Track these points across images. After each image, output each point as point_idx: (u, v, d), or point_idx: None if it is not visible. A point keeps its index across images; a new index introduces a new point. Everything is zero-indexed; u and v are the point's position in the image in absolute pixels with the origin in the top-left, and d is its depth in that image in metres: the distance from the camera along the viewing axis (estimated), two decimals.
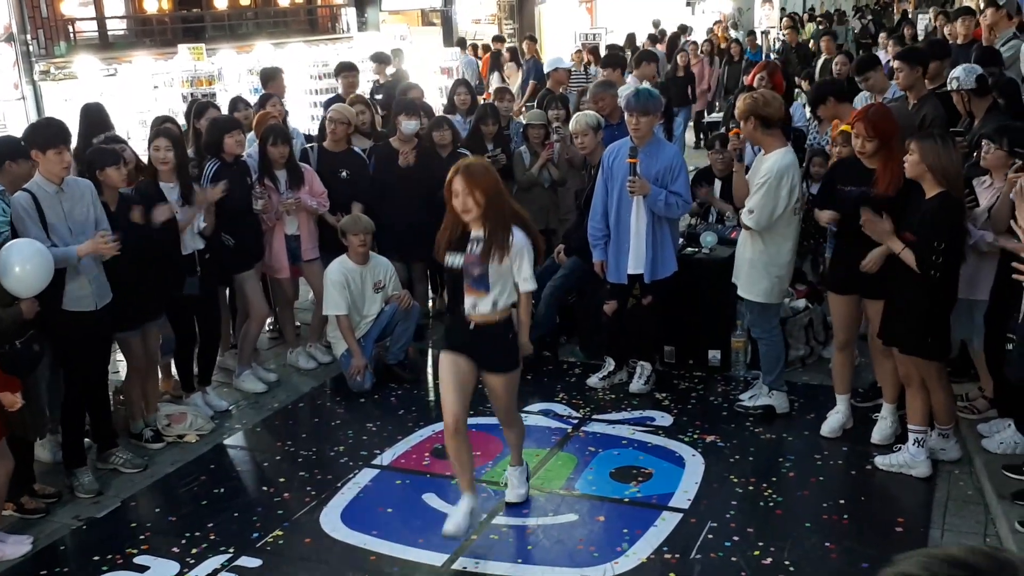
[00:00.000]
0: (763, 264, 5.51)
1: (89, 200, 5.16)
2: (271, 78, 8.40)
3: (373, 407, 6.24)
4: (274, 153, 6.50)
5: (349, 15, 16.28)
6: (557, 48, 15.75)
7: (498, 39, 16.34)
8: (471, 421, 5.72)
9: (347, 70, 9.04)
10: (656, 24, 20.00)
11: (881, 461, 5.09)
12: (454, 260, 4.30)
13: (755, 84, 8.76)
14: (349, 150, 7.15)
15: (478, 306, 4.30)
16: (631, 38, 17.32)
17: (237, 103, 7.55)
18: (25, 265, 4.58)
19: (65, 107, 10.19)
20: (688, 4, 25.78)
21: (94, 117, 6.89)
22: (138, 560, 4.56)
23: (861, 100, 7.20)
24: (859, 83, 7.13)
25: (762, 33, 21.64)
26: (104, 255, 5.01)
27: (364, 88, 10.37)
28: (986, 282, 5.03)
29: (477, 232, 4.24)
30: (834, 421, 5.50)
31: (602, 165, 6.05)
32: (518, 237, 4.29)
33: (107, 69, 11.24)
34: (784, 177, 5.31)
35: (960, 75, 6.02)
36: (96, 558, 4.61)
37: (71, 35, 12.14)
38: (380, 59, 10.86)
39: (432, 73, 13.96)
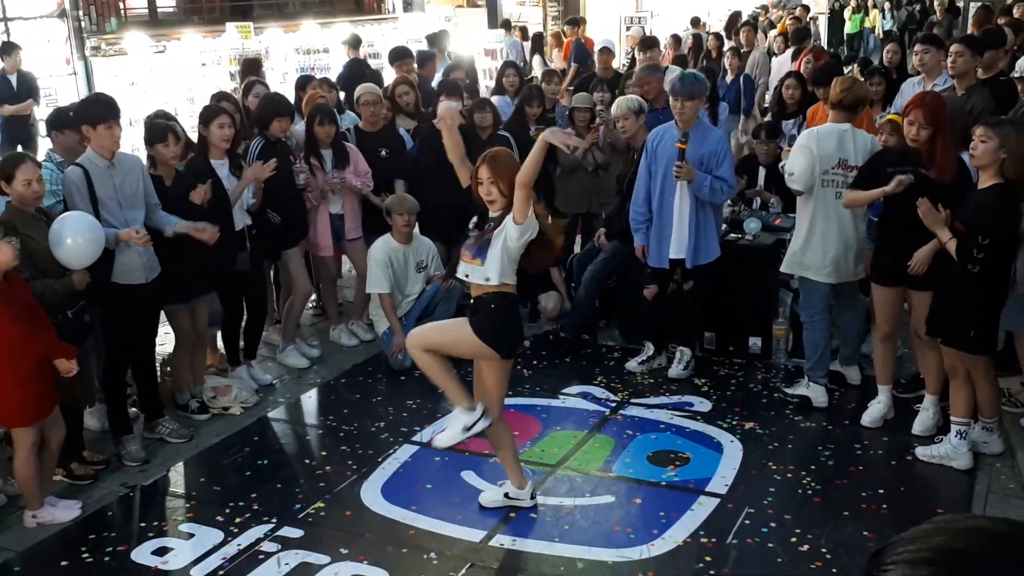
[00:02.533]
0: (804, 240, 5.49)
1: (139, 175, 5.25)
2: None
3: (413, 385, 6.30)
4: (320, 133, 6.56)
5: None
6: (603, 31, 15.63)
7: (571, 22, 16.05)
8: (509, 401, 5.76)
9: (400, 58, 9.00)
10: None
11: (922, 452, 5.06)
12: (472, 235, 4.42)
13: (801, 69, 8.70)
14: (387, 129, 7.18)
15: (470, 275, 4.33)
16: (695, 22, 17.11)
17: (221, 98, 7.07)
18: (77, 238, 4.69)
19: (115, 83, 10.35)
20: None
21: None
22: (183, 527, 4.67)
23: (908, 87, 7.11)
24: (915, 56, 7.00)
25: (810, 19, 21.39)
26: (138, 245, 5.09)
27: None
28: None
29: (495, 214, 4.32)
30: (875, 411, 5.47)
31: (645, 149, 6.04)
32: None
33: (156, 46, 11.39)
34: (809, 135, 5.37)
35: None
36: (143, 524, 4.74)
37: (122, 12, 12.30)
38: (352, 43, 10.91)
39: (476, 55, 13.96)
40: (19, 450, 4.56)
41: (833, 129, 5.41)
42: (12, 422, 4.56)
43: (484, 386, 4.51)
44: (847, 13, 22.34)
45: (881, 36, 21.84)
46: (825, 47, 13.26)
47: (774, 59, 11.59)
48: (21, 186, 4.67)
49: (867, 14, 22.97)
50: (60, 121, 5.49)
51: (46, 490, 4.78)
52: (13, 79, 9.96)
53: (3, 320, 4.31)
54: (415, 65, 9.31)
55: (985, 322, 4.70)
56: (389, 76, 9.65)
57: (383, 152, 7.02)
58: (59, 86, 11.00)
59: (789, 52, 10.94)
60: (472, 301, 4.45)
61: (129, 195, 5.17)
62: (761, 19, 16.00)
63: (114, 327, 5.26)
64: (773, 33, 15.95)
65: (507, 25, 16.16)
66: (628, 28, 16.75)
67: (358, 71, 9.69)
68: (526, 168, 4.17)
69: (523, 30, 16.03)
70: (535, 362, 6.62)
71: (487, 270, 4.25)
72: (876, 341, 5.61)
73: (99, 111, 5.10)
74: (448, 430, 4.45)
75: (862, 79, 5.80)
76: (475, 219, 4.40)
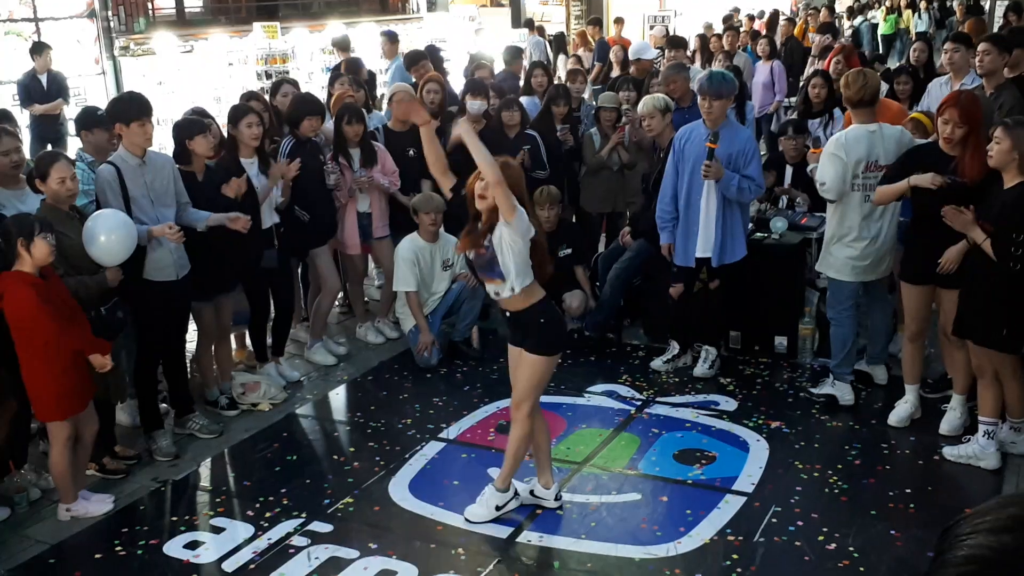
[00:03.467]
0: (831, 239, 5.48)
1: (169, 173, 5.32)
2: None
3: (439, 382, 6.35)
4: (348, 131, 6.62)
5: None
6: (626, 31, 15.63)
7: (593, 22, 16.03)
8: None
9: (416, 62, 9.05)
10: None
11: (949, 452, 5.04)
12: (470, 254, 4.39)
13: (830, 68, 8.67)
14: (415, 128, 7.21)
15: (500, 293, 4.31)
16: (728, 18, 17.06)
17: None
18: (111, 235, 4.76)
19: (143, 82, 10.46)
20: None
21: None
22: (214, 522, 4.73)
23: (936, 86, 7.08)
24: (944, 54, 6.96)
25: (836, 16, 21.28)
26: (171, 241, 5.17)
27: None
28: None
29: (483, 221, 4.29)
30: (902, 411, 5.46)
31: (673, 147, 6.04)
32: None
33: (184, 46, 11.51)
34: (837, 143, 5.32)
35: None
36: (174, 518, 4.80)
37: (150, 12, 12.43)
38: (340, 45, 10.89)
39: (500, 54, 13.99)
40: (54, 444, 4.64)
41: (861, 132, 5.36)
42: (48, 416, 4.64)
43: (517, 380, 4.54)
44: (880, 14, 22.14)
45: (914, 37, 21.74)
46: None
47: (757, 64, 11.58)
48: (56, 184, 4.74)
49: (900, 15, 22.82)
50: (90, 120, 5.56)
51: (80, 484, 4.85)
52: (44, 79, 10.09)
53: (41, 316, 4.38)
54: (430, 65, 9.36)
55: (1014, 320, 4.68)
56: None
57: (411, 151, 7.06)
58: (88, 86, 11.14)
59: (771, 64, 11.02)
60: (510, 318, 4.44)
61: (160, 193, 5.24)
62: (741, 21, 15.86)
63: (145, 323, 5.33)
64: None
65: (530, 24, 16.19)
66: (652, 27, 16.74)
67: (353, 72, 9.73)
68: (481, 165, 4.11)
69: (540, 30, 16.05)
70: (560, 360, 6.62)
71: (509, 281, 4.24)
72: (904, 340, 5.59)
73: (132, 109, 5.17)
74: (480, 507, 4.60)
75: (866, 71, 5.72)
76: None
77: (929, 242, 5.03)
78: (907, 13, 22.58)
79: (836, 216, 5.46)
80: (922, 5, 22.73)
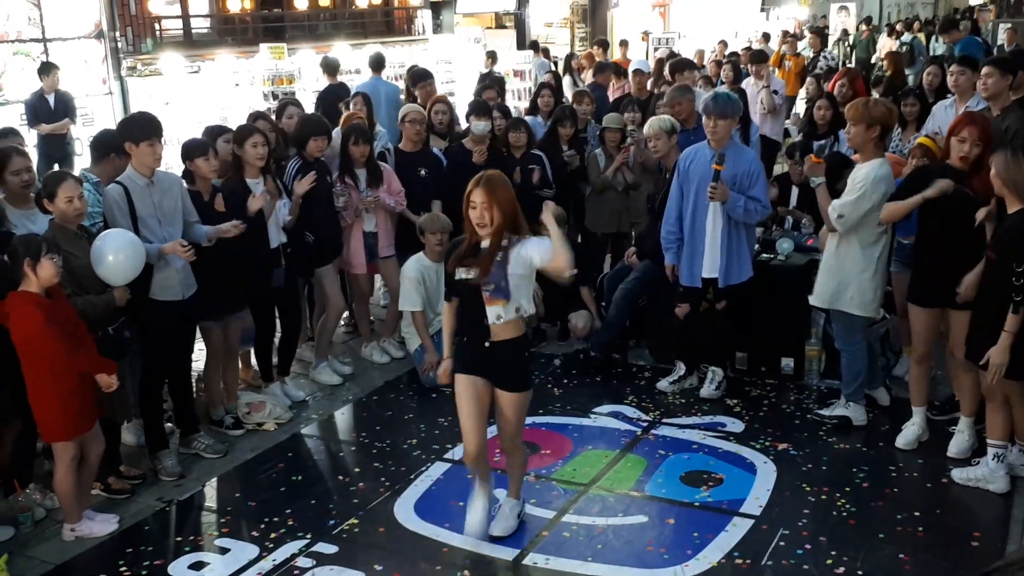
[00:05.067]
0: (849, 274, 5.44)
1: (177, 193, 5.34)
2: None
3: (445, 402, 6.30)
4: (355, 152, 6.64)
5: (425, 17, 16.51)
6: (631, 53, 15.71)
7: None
8: (540, 420, 5.84)
9: (422, 79, 9.09)
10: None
11: (958, 475, 5.02)
12: (468, 274, 4.16)
13: (835, 91, 8.69)
14: (426, 149, 7.27)
15: (502, 316, 4.15)
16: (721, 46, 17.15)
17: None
18: (118, 255, 4.76)
19: (150, 102, 10.51)
20: (763, 10, 25.55)
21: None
22: (219, 542, 4.71)
23: (940, 109, 7.09)
24: (951, 76, 6.97)
25: (836, 40, 21.39)
26: (182, 257, 5.18)
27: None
28: None
29: (487, 244, 4.14)
30: (910, 433, 5.44)
31: (678, 168, 6.06)
32: (524, 239, 4.16)
33: (191, 66, 11.59)
34: (879, 185, 5.24)
35: None
36: (179, 539, 4.79)
37: (157, 33, 12.52)
38: (330, 68, 10.98)
39: (505, 75, 14.07)
40: (60, 464, 4.62)
41: (887, 170, 5.33)
42: (54, 436, 4.63)
43: (508, 422, 4.43)
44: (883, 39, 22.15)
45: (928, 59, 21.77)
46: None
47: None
48: (63, 203, 4.75)
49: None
50: (105, 147, 5.55)
51: (84, 504, 4.83)
52: (51, 98, 10.16)
53: (47, 336, 4.38)
54: (435, 84, 9.43)
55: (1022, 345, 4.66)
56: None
57: (422, 172, 7.09)
58: (95, 106, 11.22)
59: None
60: (490, 349, 4.21)
61: (168, 212, 5.26)
62: (717, 53, 15.85)
63: (152, 343, 5.32)
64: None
65: (535, 46, 16.29)
66: (656, 49, 16.83)
67: (335, 96, 9.79)
68: (558, 255, 4.04)
69: (546, 51, 16.16)
70: (565, 381, 6.63)
71: (515, 302, 4.15)
72: (911, 363, 5.57)
73: (140, 129, 5.19)
74: (504, 521, 4.63)
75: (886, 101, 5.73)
76: (463, 272, 4.18)
77: (937, 264, 5.02)
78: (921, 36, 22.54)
79: (859, 253, 5.40)
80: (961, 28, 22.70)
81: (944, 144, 5.22)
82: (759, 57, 10.85)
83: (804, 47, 15.96)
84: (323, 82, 12.41)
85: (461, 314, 4.32)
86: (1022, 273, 4.47)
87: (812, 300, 5.78)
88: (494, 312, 4.15)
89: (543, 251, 4.07)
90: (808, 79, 11.63)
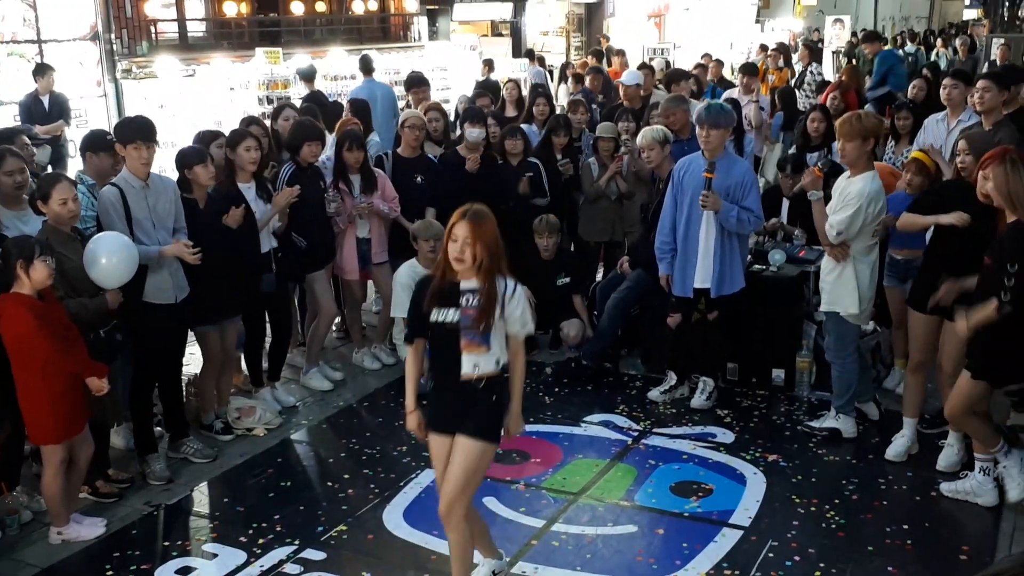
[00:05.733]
0: (850, 278, 5.42)
1: (172, 197, 5.34)
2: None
3: None
4: (349, 158, 6.64)
5: (421, 24, 16.51)
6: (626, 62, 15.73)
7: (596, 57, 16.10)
8: (530, 428, 5.82)
9: (417, 85, 9.11)
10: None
11: (947, 488, 5.03)
12: (447, 315, 3.74)
13: (827, 103, 8.72)
14: (423, 156, 7.27)
15: (479, 365, 3.74)
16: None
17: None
18: (112, 257, 4.75)
19: (144, 105, 10.49)
20: (757, 21, 25.64)
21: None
22: (206, 547, 4.69)
23: (932, 123, 7.11)
24: (943, 90, 7.01)
25: (833, 53, 21.46)
26: (186, 261, 5.18)
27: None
28: None
29: (468, 283, 3.75)
30: (899, 445, 5.45)
31: (672, 179, 6.07)
32: (511, 284, 3.79)
33: (186, 70, 11.55)
34: (873, 201, 5.26)
35: None
36: (166, 543, 4.77)
37: (153, 35, 12.49)
38: (306, 75, 11.03)
39: (502, 82, 14.08)
40: (48, 467, 4.60)
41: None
42: (43, 439, 4.61)
43: (454, 467, 3.83)
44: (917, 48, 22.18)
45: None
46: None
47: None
48: (57, 205, 4.74)
49: (930, 50, 22.91)
50: (96, 143, 5.57)
51: (72, 507, 4.81)
52: (46, 100, 10.13)
53: (38, 338, 4.37)
54: (429, 91, 9.45)
55: (1013, 358, 4.67)
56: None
57: (419, 178, 7.09)
58: (90, 108, 11.18)
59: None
60: (461, 393, 3.78)
61: (162, 216, 5.25)
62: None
63: (143, 346, 5.31)
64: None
65: (531, 55, 16.31)
66: (651, 59, 16.87)
67: (315, 103, 9.78)
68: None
69: (541, 60, 16.18)
70: (556, 389, 6.63)
71: (495, 353, 3.77)
72: (907, 371, 5.59)
73: (129, 132, 5.19)
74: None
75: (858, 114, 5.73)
76: (440, 313, 3.76)
77: (943, 273, 5.02)
78: (939, 48, 22.62)
79: (854, 261, 5.41)
80: (938, 42, 22.79)
81: (972, 175, 5.12)
82: (749, 70, 10.74)
83: (796, 61, 15.99)
84: (319, 86, 12.43)
85: (433, 359, 3.90)
86: (1014, 274, 4.47)
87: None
88: (471, 361, 3.75)
89: (524, 329, 3.81)
90: (797, 93, 11.65)
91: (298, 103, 8.83)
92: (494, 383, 3.82)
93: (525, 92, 10.33)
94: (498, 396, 3.86)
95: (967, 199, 4.97)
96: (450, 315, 3.73)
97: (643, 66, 11.03)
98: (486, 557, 4.23)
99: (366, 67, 10.79)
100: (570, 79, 13.84)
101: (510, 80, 8.07)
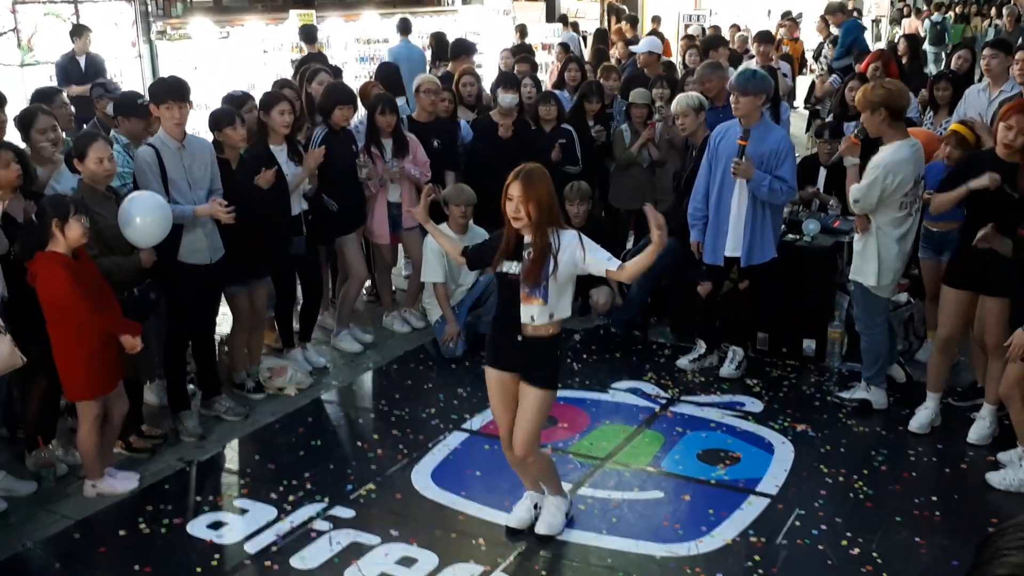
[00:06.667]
0: (873, 249, 5.37)
1: (208, 159, 5.37)
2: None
3: (464, 373, 6.35)
4: (382, 122, 6.63)
5: None
6: (662, 29, 15.56)
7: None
8: (558, 394, 5.83)
9: (465, 53, 9.06)
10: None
11: (995, 479, 4.85)
12: (511, 267, 4.03)
13: (868, 73, 8.59)
14: (439, 119, 7.23)
15: (536, 317, 4.02)
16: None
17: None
18: (146, 217, 4.79)
19: (178, 66, 10.53)
20: None
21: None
22: (238, 503, 4.77)
23: (972, 93, 7.00)
24: (983, 60, 6.89)
25: (872, 21, 21.09)
26: (221, 220, 5.21)
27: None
28: None
29: (529, 239, 4.00)
30: (923, 417, 5.40)
31: (708, 145, 6.02)
32: (567, 237, 4.01)
33: (220, 32, 11.58)
34: (892, 172, 5.15)
35: None
36: (198, 498, 4.85)
37: None
38: (308, 37, 10.94)
39: (535, 48, 13.99)
40: (83, 422, 4.69)
41: (907, 153, 5.19)
42: (78, 395, 4.68)
43: (525, 416, 4.18)
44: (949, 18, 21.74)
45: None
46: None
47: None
48: (93, 164, 4.78)
49: (968, 23, 22.47)
50: (128, 108, 5.59)
51: (106, 462, 4.90)
52: (82, 60, 10.17)
53: (73, 296, 4.42)
54: (473, 61, 9.40)
55: None
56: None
57: (436, 143, 7.07)
58: (124, 69, 11.23)
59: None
60: (521, 344, 4.07)
61: (198, 177, 5.29)
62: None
63: (178, 306, 5.37)
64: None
65: (564, 20, 16.16)
66: (687, 26, 16.67)
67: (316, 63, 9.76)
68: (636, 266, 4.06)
69: (575, 25, 16.02)
70: (585, 356, 6.64)
71: (552, 306, 4.01)
72: (933, 349, 5.53)
73: (162, 92, 5.22)
74: (552, 519, 4.42)
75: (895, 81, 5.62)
76: (507, 265, 4.04)
77: (977, 249, 4.94)
78: (976, 20, 22.19)
79: (881, 232, 5.32)
80: (992, 13, 22.32)
81: (992, 129, 5.10)
82: (765, 37, 10.32)
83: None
84: (352, 50, 12.42)
85: (498, 305, 4.25)
86: None
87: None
88: (528, 312, 4.02)
89: (611, 265, 4.00)
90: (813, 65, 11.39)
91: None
92: (550, 340, 4.10)
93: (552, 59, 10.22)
94: (556, 348, 4.18)
95: (995, 169, 4.90)
96: (513, 267, 4.04)
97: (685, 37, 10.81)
98: (553, 494, 4.47)
99: (404, 28, 10.78)
100: (619, 44, 13.72)
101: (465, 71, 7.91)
